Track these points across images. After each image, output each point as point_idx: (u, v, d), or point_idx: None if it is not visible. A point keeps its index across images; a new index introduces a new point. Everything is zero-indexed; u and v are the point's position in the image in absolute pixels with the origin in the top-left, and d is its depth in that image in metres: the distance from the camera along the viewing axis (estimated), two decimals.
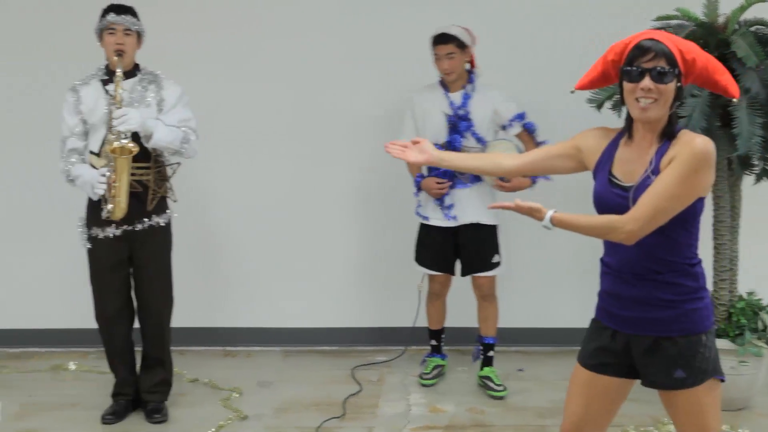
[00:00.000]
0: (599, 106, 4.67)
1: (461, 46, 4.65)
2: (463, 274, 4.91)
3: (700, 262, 2.78)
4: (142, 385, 4.56)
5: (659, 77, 2.60)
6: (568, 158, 2.93)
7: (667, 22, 4.58)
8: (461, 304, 5.17)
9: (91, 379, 5.13)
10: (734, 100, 2.81)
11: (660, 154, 2.67)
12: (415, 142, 3.13)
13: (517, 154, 3.24)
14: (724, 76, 2.74)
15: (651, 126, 2.69)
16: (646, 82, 2.61)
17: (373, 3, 5.48)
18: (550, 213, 2.73)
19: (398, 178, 5.39)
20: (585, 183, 3.06)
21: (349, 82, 5.51)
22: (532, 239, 5.27)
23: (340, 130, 5.55)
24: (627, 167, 2.73)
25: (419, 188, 4.86)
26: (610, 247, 2.83)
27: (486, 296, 4.91)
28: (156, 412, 4.49)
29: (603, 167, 2.79)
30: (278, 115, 5.54)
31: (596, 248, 5.35)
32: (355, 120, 5.53)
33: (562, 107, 4.91)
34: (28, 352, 5.62)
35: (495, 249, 4.82)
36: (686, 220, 2.69)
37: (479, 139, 4.72)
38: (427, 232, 4.89)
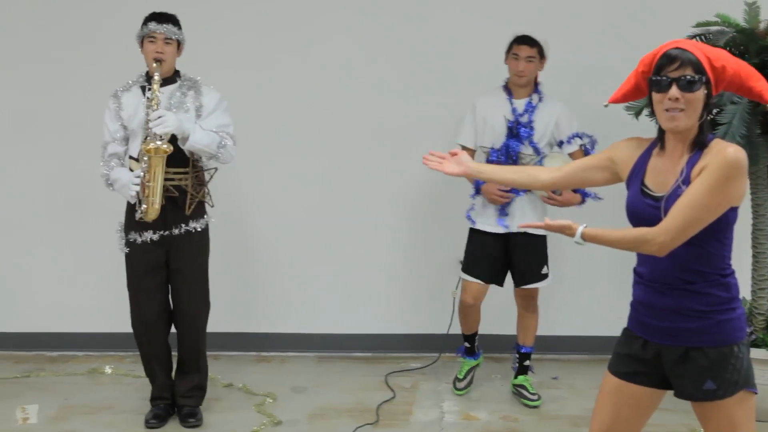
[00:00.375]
0: (637, 114, 4.63)
1: (541, 54, 4.61)
2: (516, 285, 4.81)
3: (733, 272, 2.74)
4: (177, 389, 4.57)
5: (687, 86, 2.58)
6: (603, 170, 2.92)
7: (707, 28, 4.54)
8: (496, 310, 5.15)
9: (127, 383, 5.17)
10: None
11: (691, 164, 2.64)
12: (452, 154, 3.13)
13: (553, 168, 3.22)
14: (759, 83, 2.70)
15: (681, 135, 2.67)
16: (674, 91, 2.59)
17: (415, 7, 5.48)
18: (581, 229, 2.72)
19: (435, 183, 5.41)
20: (617, 195, 3.05)
21: (389, 87, 5.52)
22: (568, 248, 5.24)
23: (377, 135, 5.55)
24: (659, 177, 2.72)
25: (478, 191, 4.74)
26: (643, 257, 2.82)
27: (528, 307, 4.84)
28: (190, 417, 4.51)
29: (636, 177, 2.78)
30: (315, 120, 5.56)
31: (632, 257, 5.30)
32: (393, 125, 5.53)
33: (603, 119, 4.90)
34: (65, 355, 5.68)
35: (544, 260, 4.76)
36: (718, 231, 2.66)
37: (536, 149, 4.63)
38: (478, 240, 4.78)
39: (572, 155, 4.64)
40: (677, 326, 2.71)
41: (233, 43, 5.50)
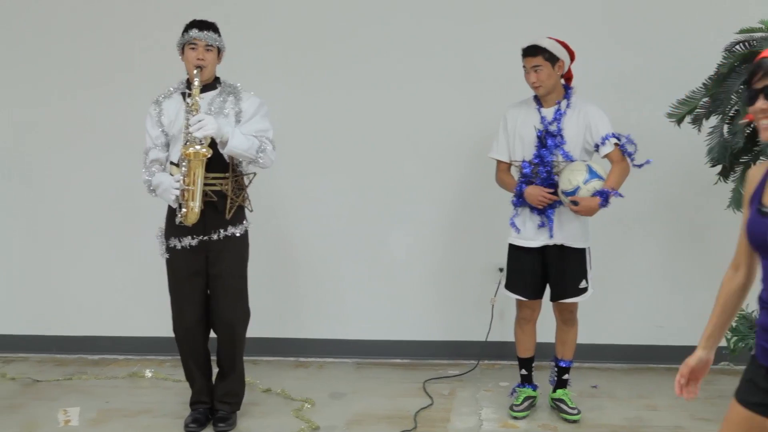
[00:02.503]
0: (679, 121, 4.58)
1: (551, 59, 4.44)
2: (552, 299, 4.69)
3: None
4: (215, 393, 4.60)
5: None
6: None
7: (751, 35, 4.48)
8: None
9: (167, 387, 5.21)
10: None
11: None
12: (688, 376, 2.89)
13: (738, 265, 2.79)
14: None
15: None
16: (759, 103, 2.42)
17: (459, 17, 5.49)
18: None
19: (475, 191, 5.41)
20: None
21: (430, 95, 5.53)
22: (606, 255, 5.20)
23: (418, 143, 5.57)
24: None
25: (520, 196, 4.58)
26: (765, 281, 2.58)
27: (567, 320, 4.72)
28: (221, 421, 4.51)
29: (755, 197, 2.58)
30: (356, 126, 5.59)
31: (674, 263, 5.25)
32: (434, 134, 5.55)
33: (646, 125, 4.87)
34: (106, 359, 5.75)
35: (583, 274, 4.62)
36: None
37: (567, 157, 4.47)
38: (516, 256, 4.66)
39: (609, 156, 4.49)
40: None
41: (276, 50, 5.55)
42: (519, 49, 4.51)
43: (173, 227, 4.34)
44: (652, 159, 4.40)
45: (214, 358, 4.61)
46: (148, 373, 5.43)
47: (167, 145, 4.37)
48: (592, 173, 4.32)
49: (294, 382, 5.27)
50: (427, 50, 5.50)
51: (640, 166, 4.41)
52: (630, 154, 4.46)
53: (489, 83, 5.38)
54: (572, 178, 4.33)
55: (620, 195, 4.43)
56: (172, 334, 4.53)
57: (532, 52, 4.45)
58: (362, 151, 5.59)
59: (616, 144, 4.47)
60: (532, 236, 4.59)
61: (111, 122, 5.62)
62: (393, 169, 5.59)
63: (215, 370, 4.64)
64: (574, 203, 4.35)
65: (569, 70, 4.61)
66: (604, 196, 4.35)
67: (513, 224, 4.62)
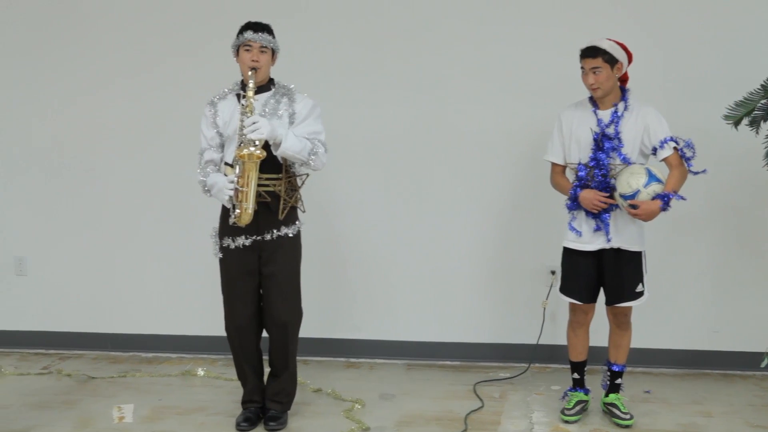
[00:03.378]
0: (737, 123, 4.51)
1: (611, 60, 4.38)
2: (608, 303, 4.63)
3: None
4: (266, 392, 4.63)
5: None
6: None
7: None
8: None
9: (219, 386, 5.26)
10: None
11: None
12: None
13: None
14: None
15: None
16: None
17: (514, 18, 5.48)
18: None
19: (527, 193, 5.38)
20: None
21: (484, 98, 5.52)
22: (660, 259, 5.14)
23: (471, 144, 5.55)
24: None
25: (575, 199, 4.53)
26: None
27: (621, 324, 4.67)
28: (272, 420, 4.54)
29: None
30: (410, 127, 5.59)
31: (727, 269, 5.18)
32: (488, 135, 5.52)
33: (702, 127, 4.80)
34: (159, 357, 5.82)
35: (639, 277, 4.55)
36: None
37: (625, 160, 4.40)
38: (571, 259, 4.61)
39: (667, 160, 4.42)
40: None
41: (329, 51, 5.57)
42: (571, 51, 4.47)
43: (227, 227, 4.38)
44: (708, 161, 4.35)
45: (265, 357, 4.64)
46: (201, 372, 5.48)
47: (222, 146, 4.41)
48: (652, 176, 4.27)
49: (344, 382, 5.29)
50: (481, 51, 5.49)
51: (696, 173, 4.35)
52: (688, 159, 4.39)
53: (543, 85, 5.35)
54: (632, 181, 4.28)
55: (682, 198, 4.36)
56: (224, 333, 4.56)
57: (591, 53, 4.39)
58: (414, 152, 5.59)
59: (675, 148, 4.40)
60: (588, 240, 4.53)
61: (163, 122, 5.70)
62: (444, 171, 5.59)
63: (267, 370, 4.67)
64: (633, 207, 4.30)
65: (625, 72, 4.55)
66: (665, 200, 4.27)
67: (572, 228, 4.56)
